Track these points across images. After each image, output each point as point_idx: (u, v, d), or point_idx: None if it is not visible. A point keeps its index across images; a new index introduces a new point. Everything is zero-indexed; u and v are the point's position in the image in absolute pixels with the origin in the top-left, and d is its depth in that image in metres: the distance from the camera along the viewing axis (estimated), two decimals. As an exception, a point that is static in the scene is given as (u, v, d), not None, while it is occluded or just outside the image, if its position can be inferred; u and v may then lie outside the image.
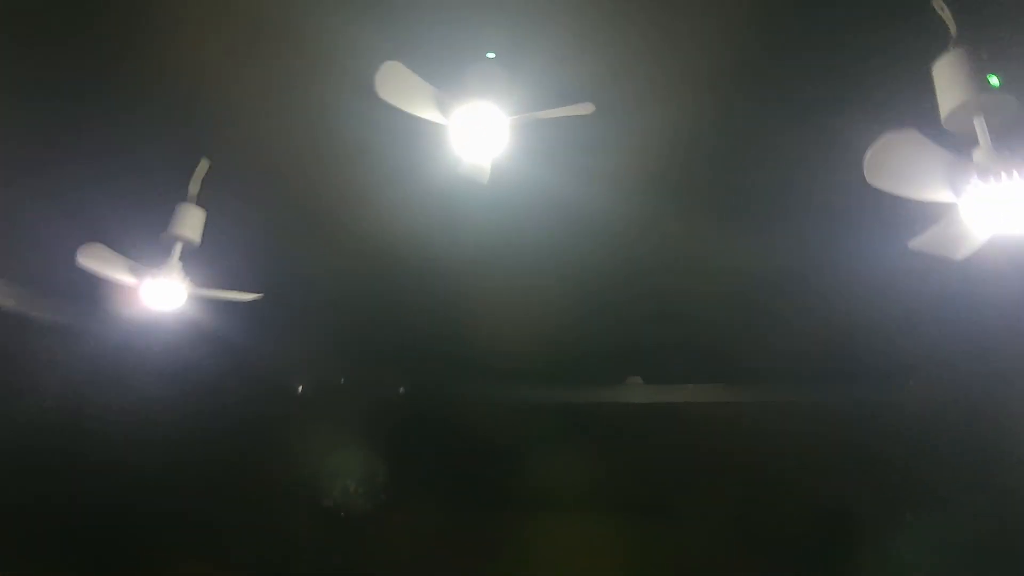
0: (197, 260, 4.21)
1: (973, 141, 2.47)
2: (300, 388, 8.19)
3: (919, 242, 2.83)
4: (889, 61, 2.85)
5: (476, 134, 2.97)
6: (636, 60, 3.11)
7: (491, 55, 2.99)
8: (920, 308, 4.33)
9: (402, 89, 2.77)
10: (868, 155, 2.25)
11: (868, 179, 2.31)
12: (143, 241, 4.20)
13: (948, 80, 2.50)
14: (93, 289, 4.40)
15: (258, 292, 4.37)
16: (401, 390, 8.01)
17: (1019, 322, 4.29)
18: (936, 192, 2.39)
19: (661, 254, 4.52)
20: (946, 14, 2.60)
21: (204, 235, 4.16)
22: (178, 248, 4.10)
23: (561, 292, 5.09)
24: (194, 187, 4.18)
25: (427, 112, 2.87)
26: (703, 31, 2.95)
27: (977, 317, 4.34)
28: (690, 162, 3.69)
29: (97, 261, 3.93)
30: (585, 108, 2.88)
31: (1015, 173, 2.28)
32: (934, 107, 2.55)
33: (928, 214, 2.76)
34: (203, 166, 4.16)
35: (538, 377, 6.67)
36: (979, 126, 2.47)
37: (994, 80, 2.43)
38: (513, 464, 7.66)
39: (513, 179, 3.62)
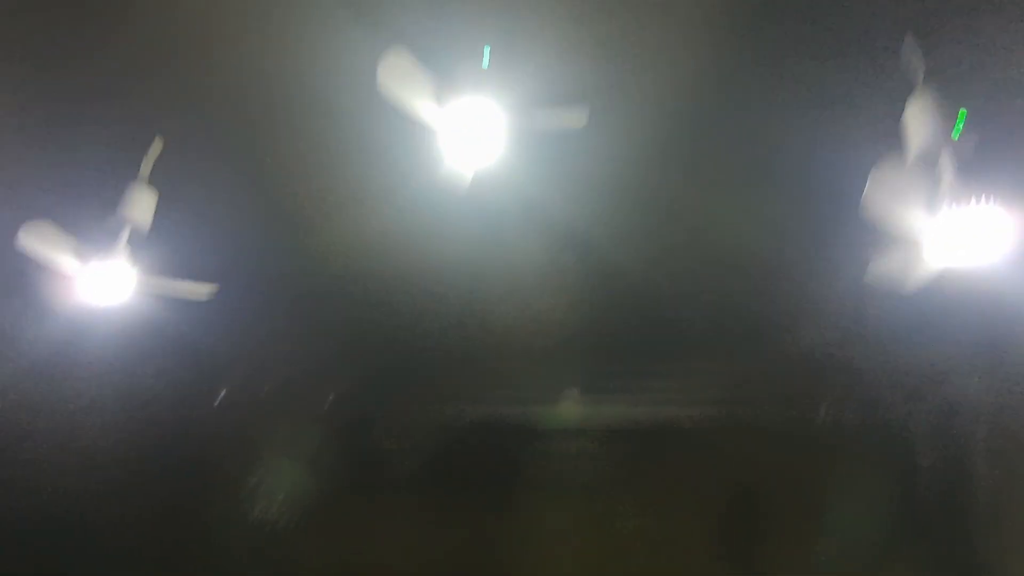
0: (146, 249, 3.97)
1: (941, 171, 2.69)
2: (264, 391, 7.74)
3: (877, 268, 3.02)
4: (871, 90, 3.05)
5: (468, 132, 2.96)
6: (626, 71, 3.18)
7: (487, 49, 2.99)
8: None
9: (403, 77, 2.73)
10: (867, 185, 2.41)
11: (864, 206, 2.47)
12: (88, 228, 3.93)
13: (918, 118, 2.71)
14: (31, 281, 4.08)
15: (211, 286, 4.15)
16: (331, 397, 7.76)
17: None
18: (915, 216, 2.58)
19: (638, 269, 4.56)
20: (917, 56, 2.82)
21: (155, 221, 3.95)
22: (126, 232, 3.87)
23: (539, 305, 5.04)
24: (146, 168, 3.96)
25: (424, 102, 2.83)
26: (695, 46, 3.06)
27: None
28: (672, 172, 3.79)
29: (41, 241, 3.65)
30: (578, 120, 2.93)
31: (981, 200, 2.48)
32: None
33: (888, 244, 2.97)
34: (157, 146, 3.96)
35: (510, 388, 6.54)
36: (945, 160, 2.68)
37: (959, 122, 2.65)
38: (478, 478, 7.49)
39: (496, 187, 3.60)
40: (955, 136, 2.70)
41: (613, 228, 4.16)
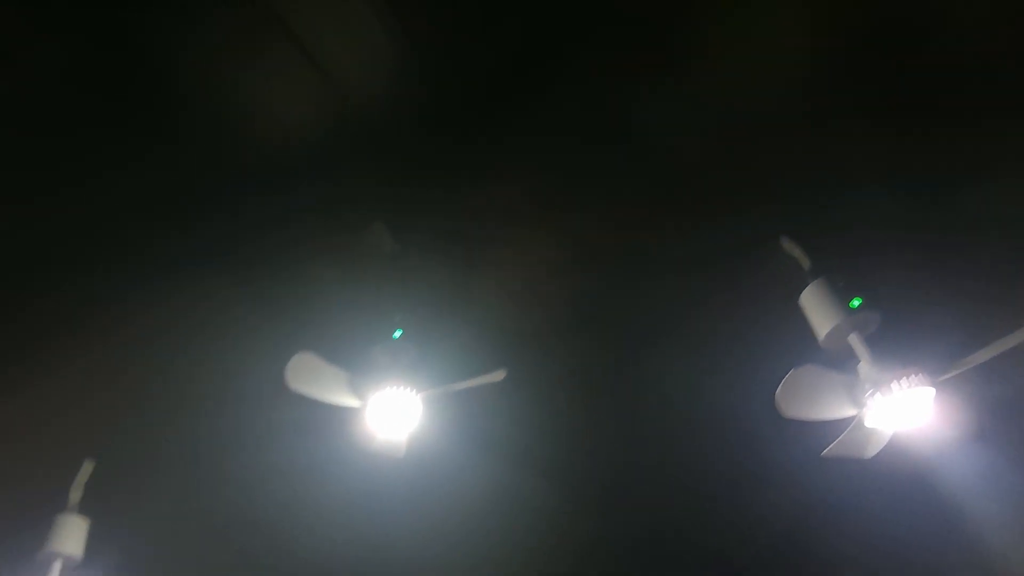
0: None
1: (851, 355, 2.74)
2: None
3: (831, 450, 2.96)
4: (757, 299, 3.19)
5: (391, 414, 2.95)
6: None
7: (398, 334, 3.07)
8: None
9: (314, 378, 2.74)
10: (778, 393, 2.42)
11: (782, 412, 2.47)
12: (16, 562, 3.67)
13: (816, 308, 2.81)
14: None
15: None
16: None
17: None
18: (842, 411, 2.58)
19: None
20: (797, 252, 2.99)
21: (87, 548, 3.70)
22: (57, 567, 3.60)
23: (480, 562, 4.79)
24: (76, 493, 3.78)
25: (341, 398, 2.84)
26: (595, 301, 3.21)
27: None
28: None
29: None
30: (497, 375, 2.96)
31: (902, 382, 2.51)
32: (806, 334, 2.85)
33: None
34: (86, 469, 3.80)
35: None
36: (855, 342, 2.74)
37: (855, 301, 2.75)
38: None
39: (427, 448, 3.55)
40: (853, 305, 2.78)
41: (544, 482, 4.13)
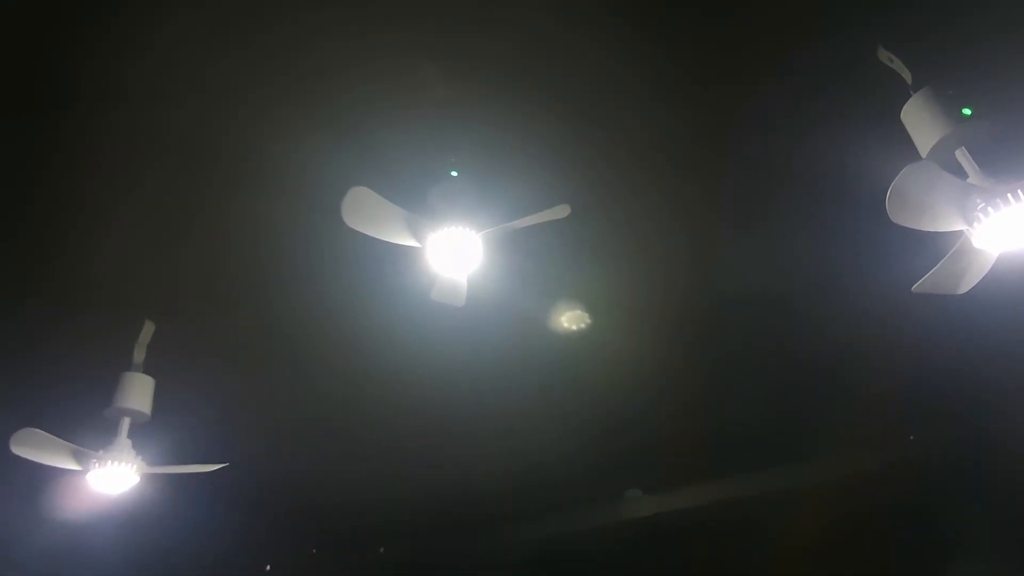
0: (149, 435, 3.78)
1: (959, 173, 2.47)
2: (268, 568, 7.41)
3: (923, 284, 2.74)
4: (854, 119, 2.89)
5: (451, 254, 2.82)
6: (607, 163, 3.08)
7: (455, 173, 2.90)
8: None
9: (371, 215, 2.60)
10: (889, 192, 2.18)
11: (890, 215, 2.24)
12: (88, 420, 3.77)
13: (921, 121, 2.52)
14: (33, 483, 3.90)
15: (220, 463, 3.90)
16: (381, 550, 7.36)
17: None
18: (951, 222, 2.34)
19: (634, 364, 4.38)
20: (896, 63, 2.67)
21: (154, 406, 3.75)
22: (126, 424, 3.67)
23: (544, 412, 4.79)
24: (139, 353, 3.81)
25: (399, 237, 2.70)
26: (673, 123, 2.95)
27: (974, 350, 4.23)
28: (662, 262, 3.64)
29: (33, 449, 3.45)
30: (561, 211, 2.77)
31: (1019, 193, 2.25)
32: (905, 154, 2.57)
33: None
34: (148, 329, 3.82)
35: (532, 506, 6.19)
36: (962, 157, 2.47)
37: (967, 111, 2.45)
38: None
39: (488, 293, 3.43)
40: (965, 114, 2.49)
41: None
